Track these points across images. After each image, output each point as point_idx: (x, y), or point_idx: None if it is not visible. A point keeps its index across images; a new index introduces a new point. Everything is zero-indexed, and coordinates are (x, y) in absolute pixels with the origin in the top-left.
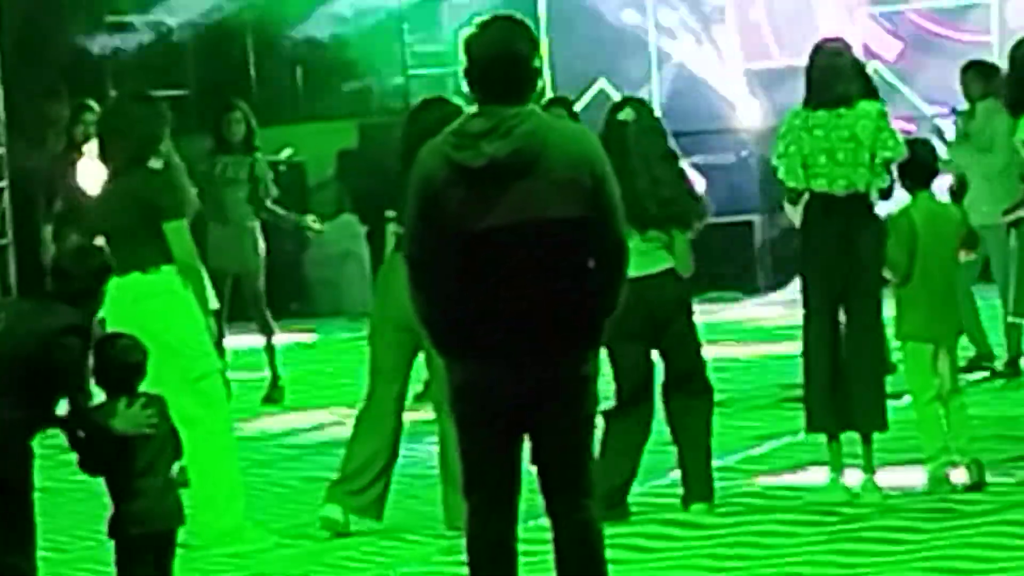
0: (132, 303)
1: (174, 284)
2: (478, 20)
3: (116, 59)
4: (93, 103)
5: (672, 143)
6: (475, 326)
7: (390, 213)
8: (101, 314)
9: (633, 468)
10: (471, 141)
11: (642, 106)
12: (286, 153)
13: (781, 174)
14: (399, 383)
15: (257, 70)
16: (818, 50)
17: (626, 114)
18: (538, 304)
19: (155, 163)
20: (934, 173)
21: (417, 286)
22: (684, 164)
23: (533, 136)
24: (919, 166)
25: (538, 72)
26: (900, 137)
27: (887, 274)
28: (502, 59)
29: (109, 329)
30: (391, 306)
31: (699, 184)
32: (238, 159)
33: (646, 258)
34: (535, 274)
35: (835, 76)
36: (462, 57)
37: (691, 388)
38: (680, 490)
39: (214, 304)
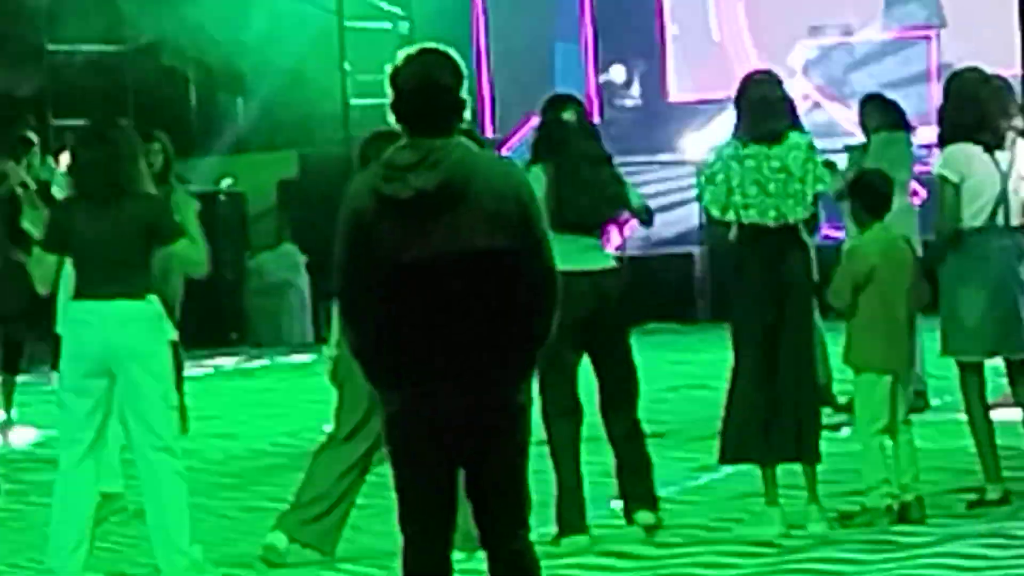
0: (120, 327)
1: (159, 312)
2: (403, 52)
3: (56, 89)
4: (33, 135)
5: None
6: (406, 358)
7: None
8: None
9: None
10: (399, 174)
11: (580, 107)
12: (226, 183)
13: (705, 201)
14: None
15: (198, 101)
16: (749, 82)
17: (569, 114)
18: (469, 335)
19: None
20: (889, 204)
21: (348, 318)
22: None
23: (460, 168)
24: (876, 196)
25: (464, 103)
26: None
27: (835, 303)
28: (427, 91)
29: (91, 349)
30: None
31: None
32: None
33: (591, 254)
34: (465, 305)
35: (767, 109)
36: (388, 89)
37: (628, 400)
38: (620, 515)
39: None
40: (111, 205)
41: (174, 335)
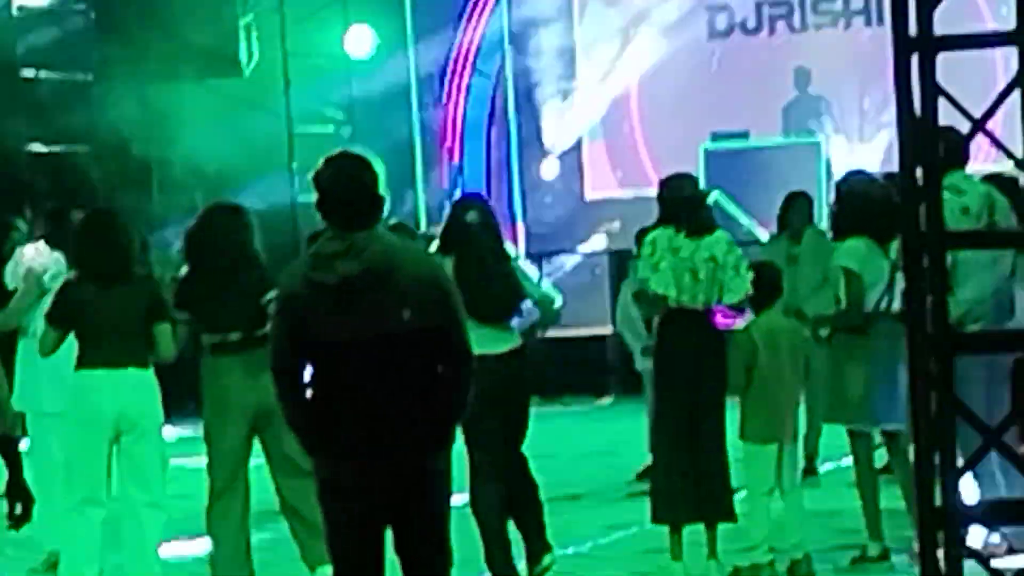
0: (132, 391)
1: (156, 382)
2: (325, 156)
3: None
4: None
5: (506, 242)
6: (335, 429)
7: None
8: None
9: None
10: (327, 262)
11: (485, 206)
12: (184, 270)
13: (654, 286)
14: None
15: (159, 196)
16: (672, 181)
17: (471, 216)
18: (391, 408)
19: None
20: (779, 292)
21: (283, 393)
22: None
23: (381, 256)
24: (767, 286)
25: (383, 199)
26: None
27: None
28: (348, 190)
29: (106, 413)
30: None
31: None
32: None
33: (495, 338)
34: (388, 380)
35: (695, 206)
36: (313, 189)
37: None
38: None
39: None
40: (118, 284)
41: None
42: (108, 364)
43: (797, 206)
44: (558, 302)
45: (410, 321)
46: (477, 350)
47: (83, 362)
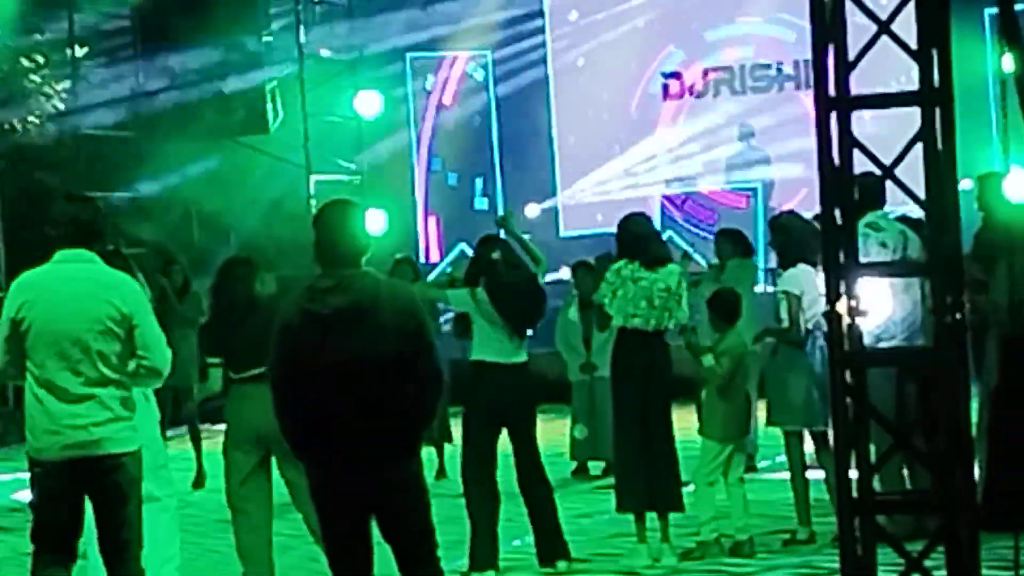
0: None
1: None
2: (323, 203)
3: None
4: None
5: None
6: (322, 439)
7: None
8: None
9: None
10: (320, 295)
11: (506, 244)
12: None
13: (609, 311)
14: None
15: (199, 234)
16: (628, 220)
17: (497, 254)
18: (370, 421)
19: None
20: (739, 314)
21: (279, 409)
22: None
23: (366, 291)
24: (729, 309)
25: (368, 243)
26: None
27: (713, 380)
28: (339, 233)
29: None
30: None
31: None
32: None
33: (514, 351)
34: (368, 398)
35: (653, 241)
36: (312, 231)
37: (539, 474)
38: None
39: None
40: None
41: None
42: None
43: (720, 241)
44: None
45: (388, 348)
46: (495, 358)
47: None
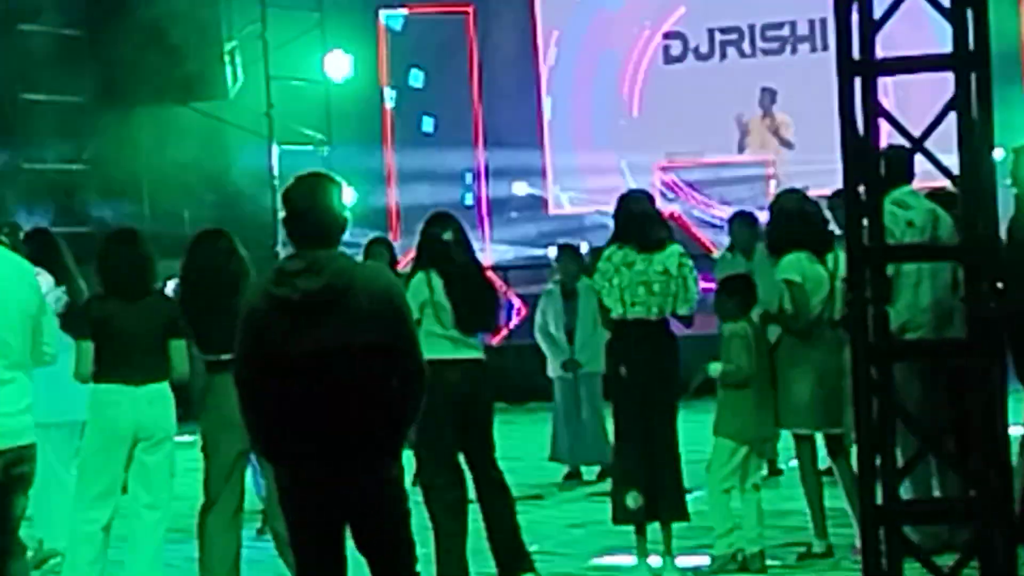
0: (149, 406)
1: (169, 393)
2: (296, 176)
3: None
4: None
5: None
6: (292, 438)
7: None
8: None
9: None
10: (288, 278)
11: (458, 223)
12: (174, 283)
13: (606, 301)
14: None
15: (151, 211)
16: (629, 200)
17: (448, 235)
18: (346, 419)
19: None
20: (755, 300)
21: (244, 403)
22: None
23: (341, 274)
24: (745, 294)
25: (345, 221)
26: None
27: (728, 377)
28: (313, 209)
29: (123, 427)
30: None
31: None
32: None
33: (463, 346)
34: (343, 393)
35: (650, 223)
36: (282, 207)
37: (499, 481)
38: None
39: None
40: (139, 301)
41: None
42: (126, 380)
43: (735, 225)
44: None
45: (365, 337)
46: (449, 355)
47: (101, 376)
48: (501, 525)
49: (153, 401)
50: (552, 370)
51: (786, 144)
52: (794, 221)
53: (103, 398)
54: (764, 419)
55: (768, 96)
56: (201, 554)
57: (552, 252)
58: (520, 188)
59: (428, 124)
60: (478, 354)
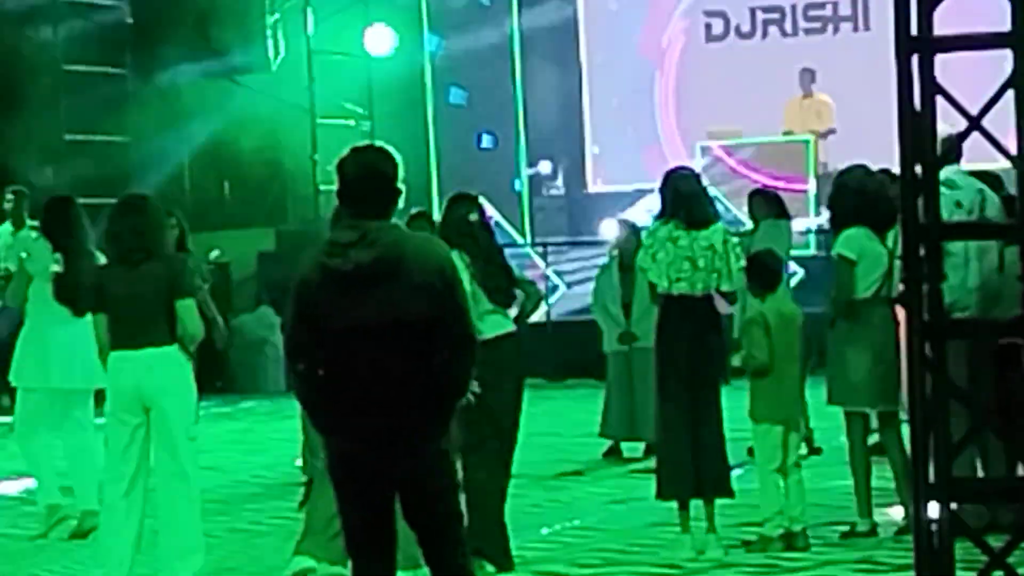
0: (148, 372)
1: (182, 356)
2: (351, 147)
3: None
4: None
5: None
6: (343, 409)
7: None
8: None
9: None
10: (341, 250)
11: (479, 204)
12: (214, 254)
13: (652, 277)
14: None
15: (191, 183)
16: (674, 176)
17: (474, 215)
18: (398, 390)
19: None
20: (779, 278)
21: (295, 372)
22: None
23: (394, 246)
24: (768, 273)
25: (399, 191)
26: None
27: (748, 365)
28: (369, 180)
29: (127, 391)
30: None
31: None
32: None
33: (494, 324)
34: (393, 364)
35: (696, 200)
36: (336, 177)
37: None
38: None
39: None
40: (141, 267)
41: None
42: (127, 345)
43: (755, 201)
44: (541, 289)
45: (416, 308)
46: (504, 331)
47: (112, 344)
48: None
49: (153, 366)
50: (607, 344)
51: (826, 133)
52: (855, 196)
53: (111, 365)
54: (791, 398)
55: (808, 76)
56: (309, 516)
57: (604, 227)
58: (558, 165)
59: (458, 96)
60: (507, 328)
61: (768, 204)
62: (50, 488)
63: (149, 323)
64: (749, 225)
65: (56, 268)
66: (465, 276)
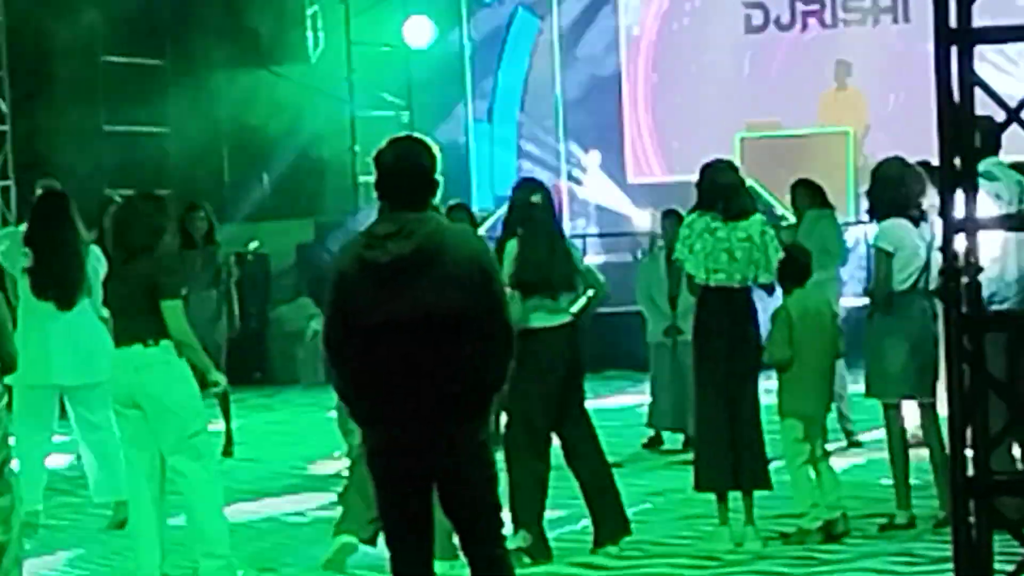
0: (135, 371)
1: (170, 355)
2: (389, 138)
3: (114, 162)
4: (117, 198)
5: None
6: (380, 400)
7: None
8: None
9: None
10: (379, 242)
11: (545, 189)
12: (253, 245)
13: (689, 268)
14: None
15: (229, 176)
16: (712, 167)
17: (537, 198)
18: (434, 382)
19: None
20: (808, 272)
21: (333, 364)
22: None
23: (431, 238)
24: (796, 266)
25: (437, 183)
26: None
27: (775, 358)
28: (407, 171)
29: (119, 387)
30: None
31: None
32: (202, 250)
33: (553, 313)
34: (431, 356)
35: (734, 191)
36: (373, 169)
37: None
38: (587, 532)
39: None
40: (127, 265)
41: (222, 379)
42: (118, 342)
43: (798, 191)
44: (603, 280)
45: (454, 300)
46: (537, 323)
47: (113, 338)
48: (598, 485)
49: (140, 365)
50: (652, 336)
51: (858, 124)
52: (894, 187)
53: (112, 361)
54: (817, 392)
55: (843, 69)
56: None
57: (638, 222)
58: (599, 156)
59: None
60: (567, 318)
61: (812, 195)
62: (30, 493)
63: (135, 321)
64: (788, 216)
65: (25, 263)
66: (511, 265)
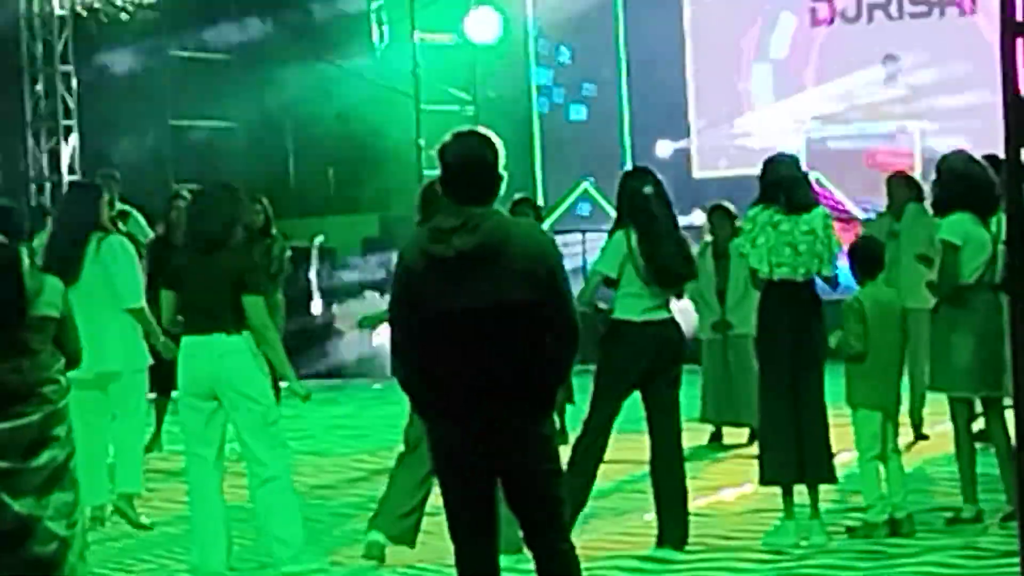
0: (219, 358)
1: (251, 346)
2: (453, 132)
3: (179, 155)
4: (185, 192)
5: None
6: (446, 394)
7: None
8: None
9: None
10: (444, 236)
11: (656, 177)
12: (319, 240)
13: (753, 262)
14: None
15: (296, 169)
16: (775, 162)
17: (649, 189)
18: (499, 375)
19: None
20: (881, 265)
21: (397, 357)
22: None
23: (496, 232)
24: (869, 259)
25: (502, 178)
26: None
27: (843, 351)
28: (471, 166)
29: (198, 376)
30: None
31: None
32: (259, 243)
33: (660, 307)
34: (496, 350)
35: (798, 185)
36: (438, 163)
37: (672, 426)
38: (655, 531)
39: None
40: (212, 255)
41: (301, 389)
42: (197, 331)
43: (893, 184)
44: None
45: (518, 295)
46: (642, 317)
47: (185, 329)
48: (671, 493)
49: (223, 354)
50: (702, 331)
51: (919, 119)
52: (960, 181)
53: (184, 350)
54: (888, 385)
55: (892, 63)
56: (386, 496)
57: (698, 217)
58: (664, 149)
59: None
60: (668, 315)
61: (909, 187)
62: (131, 478)
63: (218, 311)
64: (858, 214)
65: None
66: (636, 252)
